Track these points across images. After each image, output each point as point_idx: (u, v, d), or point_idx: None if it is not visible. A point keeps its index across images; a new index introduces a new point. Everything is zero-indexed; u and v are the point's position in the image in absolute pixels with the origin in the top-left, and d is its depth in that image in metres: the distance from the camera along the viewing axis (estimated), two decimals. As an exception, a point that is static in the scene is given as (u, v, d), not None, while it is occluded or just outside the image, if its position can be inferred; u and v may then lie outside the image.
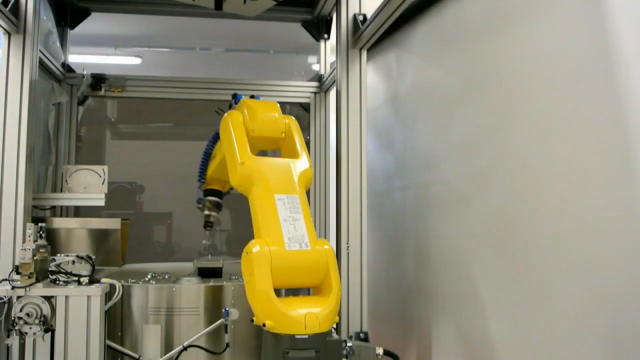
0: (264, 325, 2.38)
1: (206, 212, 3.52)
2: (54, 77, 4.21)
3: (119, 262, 3.55)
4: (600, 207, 1.99)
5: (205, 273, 3.46)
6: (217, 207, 3.52)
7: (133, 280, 3.25)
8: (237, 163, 2.68)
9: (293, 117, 3.03)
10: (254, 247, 2.45)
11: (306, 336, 2.34)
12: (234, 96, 3.16)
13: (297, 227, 2.56)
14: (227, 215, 5.42)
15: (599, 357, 1.98)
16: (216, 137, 3.30)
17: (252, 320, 2.45)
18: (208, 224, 3.55)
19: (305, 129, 4.98)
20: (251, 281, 2.43)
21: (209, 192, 3.50)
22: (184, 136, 5.62)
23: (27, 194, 3.24)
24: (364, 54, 3.69)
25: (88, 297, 2.63)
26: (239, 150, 2.73)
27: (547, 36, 2.32)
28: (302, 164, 2.83)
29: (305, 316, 2.38)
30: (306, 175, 2.82)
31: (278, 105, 3.01)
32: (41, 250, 2.62)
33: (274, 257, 2.44)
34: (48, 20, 4.06)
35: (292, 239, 2.51)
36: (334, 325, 2.53)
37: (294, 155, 2.89)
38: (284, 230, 2.51)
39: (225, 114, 2.96)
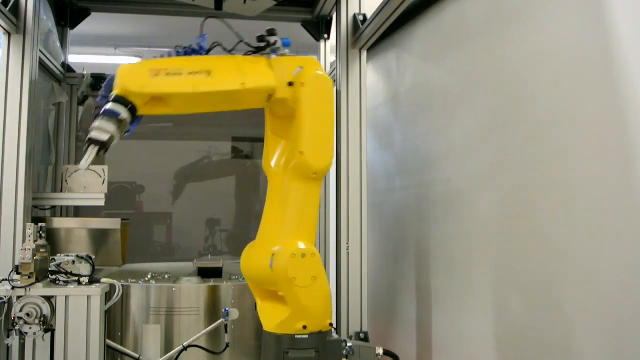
0: (304, 327, 2.32)
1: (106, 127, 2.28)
2: (54, 77, 4.21)
3: (119, 262, 3.55)
4: (601, 206, 1.99)
5: (205, 273, 3.46)
6: (120, 125, 2.31)
7: (133, 280, 3.25)
8: (332, 152, 2.48)
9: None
10: (314, 248, 2.35)
11: (306, 336, 2.34)
12: (270, 34, 2.56)
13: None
14: (228, 215, 5.42)
15: (602, 353, 1.98)
16: None
17: (305, 327, 2.33)
18: (104, 145, 2.31)
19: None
20: (318, 284, 2.30)
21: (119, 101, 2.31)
22: (184, 136, 5.61)
23: (27, 194, 3.24)
24: (364, 54, 3.69)
25: (88, 297, 2.63)
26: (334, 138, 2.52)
27: (547, 36, 2.32)
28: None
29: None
30: None
31: None
32: (41, 250, 2.62)
33: None
34: (48, 20, 4.06)
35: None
36: (334, 326, 2.53)
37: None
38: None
39: (313, 76, 2.46)
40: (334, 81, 3.89)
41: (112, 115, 2.27)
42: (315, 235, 2.46)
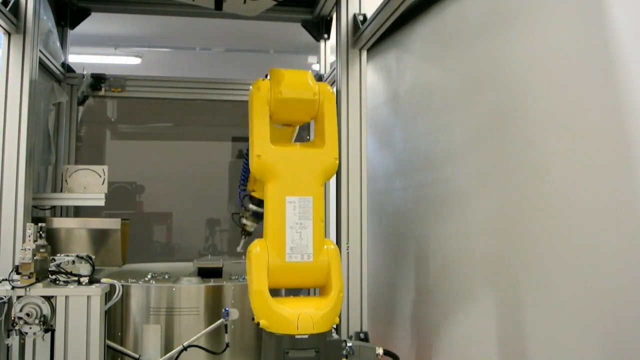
0: (258, 324, 2.44)
1: (243, 221, 3.25)
2: (54, 77, 4.21)
3: (119, 262, 3.55)
4: (601, 206, 1.99)
5: (205, 273, 3.46)
6: (257, 217, 3.18)
7: (133, 280, 3.25)
8: (253, 155, 2.57)
9: (330, 88, 2.83)
10: (255, 248, 2.50)
11: (306, 336, 2.34)
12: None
13: (302, 236, 2.54)
14: (228, 215, 5.41)
15: (600, 354, 1.98)
16: None
17: (253, 319, 2.49)
18: (245, 232, 3.28)
19: (305, 128, 4.99)
20: (249, 280, 2.49)
21: (254, 201, 3.17)
22: (184, 136, 5.62)
23: (27, 194, 3.24)
24: (364, 54, 3.69)
25: (88, 297, 2.63)
26: (257, 139, 2.58)
27: (547, 36, 2.32)
28: (325, 154, 2.69)
29: (299, 316, 2.39)
30: (328, 168, 2.68)
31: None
32: (41, 250, 2.62)
33: (271, 265, 2.49)
34: (48, 20, 4.06)
35: (295, 249, 2.51)
36: (334, 325, 2.53)
37: (319, 141, 2.74)
38: (288, 239, 2.51)
39: (252, 88, 2.72)
40: (334, 81, 3.89)
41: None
42: (281, 239, 2.54)
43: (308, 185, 2.60)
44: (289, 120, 2.84)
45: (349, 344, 2.94)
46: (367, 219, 3.59)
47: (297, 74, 2.74)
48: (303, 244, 2.52)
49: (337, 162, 2.71)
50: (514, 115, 2.54)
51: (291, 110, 2.71)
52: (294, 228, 2.52)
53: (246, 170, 3.12)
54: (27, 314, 2.54)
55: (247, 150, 2.86)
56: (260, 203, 3.08)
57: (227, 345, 3.02)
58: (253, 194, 3.14)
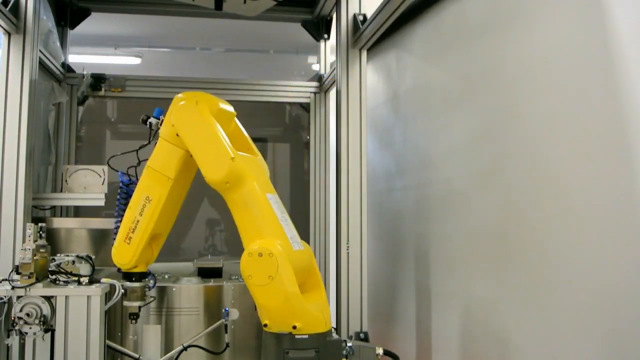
0: (265, 325, 2.36)
1: (126, 303, 2.78)
2: (54, 77, 4.21)
3: (119, 262, 3.54)
4: (601, 206, 1.99)
5: (205, 273, 3.46)
6: (143, 294, 2.81)
7: (133, 280, 3.24)
8: (227, 158, 2.49)
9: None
10: (273, 247, 2.34)
11: (306, 336, 2.34)
12: (146, 119, 2.89)
13: (290, 227, 2.54)
14: (228, 215, 5.41)
15: (601, 354, 1.98)
16: (130, 188, 2.89)
17: (266, 325, 2.35)
18: (132, 317, 2.84)
19: (305, 128, 4.98)
20: (274, 284, 2.29)
21: (131, 276, 2.78)
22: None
23: (27, 194, 3.24)
24: (364, 54, 3.69)
25: (88, 297, 2.63)
26: (227, 144, 2.55)
27: (546, 36, 2.32)
28: (262, 160, 2.81)
29: (323, 313, 2.40)
30: (268, 172, 2.79)
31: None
32: (41, 250, 2.61)
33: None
34: (48, 20, 4.06)
35: (292, 239, 2.51)
36: (334, 326, 2.53)
37: (250, 150, 2.81)
38: (285, 230, 2.50)
39: (186, 102, 2.66)
40: (334, 81, 3.89)
41: (133, 291, 2.79)
42: (281, 230, 2.45)
43: (271, 186, 2.67)
44: None
45: (349, 344, 2.94)
46: (367, 219, 3.59)
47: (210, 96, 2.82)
48: (293, 233, 2.54)
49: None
50: (513, 115, 2.54)
51: (222, 122, 2.71)
52: (283, 220, 2.52)
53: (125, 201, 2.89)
54: (27, 314, 2.54)
55: (121, 207, 2.88)
56: (139, 276, 2.78)
57: (227, 345, 3.02)
58: (134, 269, 2.77)
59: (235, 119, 2.87)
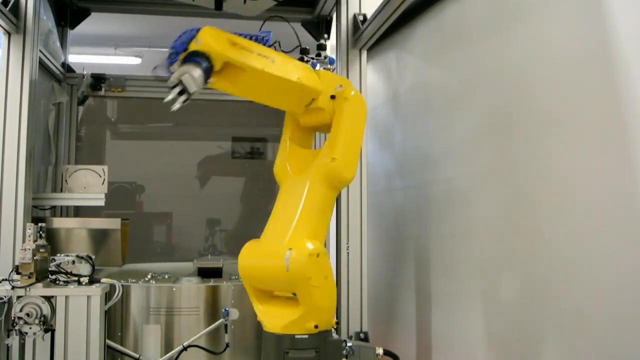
0: (316, 327, 2.35)
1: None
2: (54, 77, 4.21)
3: (119, 262, 3.55)
4: (601, 205, 1.99)
5: (205, 273, 3.46)
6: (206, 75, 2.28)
7: (133, 280, 3.25)
8: (357, 164, 2.61)
9: None
10: (322, 248, 2.36)
11: (306, 336, 2.34)
12: (321, 49, 2.86)
13: None
14: (228, 215, 5.41)
15: (601, 354, 1.98)
16: None
17: (317, 327, 2.36)
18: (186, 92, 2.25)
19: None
20: (328, 283, 2.37)
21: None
22: (184, 136, 5.61)
23: (27, 194, 3.24)
24: (364, 54, 3.69)
25: (88, 297, 2.63)
26: (355, 146, 2.63)
27: (546, 36, 2.32)
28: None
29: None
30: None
31: None
32: (41, 250, 2.62)
33: None
34: (48, 20, 4.06)
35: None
36: (334, 325, 2.53)
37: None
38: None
39: (355, 94, 2.66)
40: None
41: (198, 63, 2.23)
42: (325, 240, 2.50)
43: None
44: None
45: (349, 344, 2.94)
46: (367, 219, 3.59)
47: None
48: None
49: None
50: (513, 115, 2.54)
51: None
52: None
53: None
54: (27, 314, 2.54)
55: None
56: (203, 55, 2.23)
57: (227, 345, 3.02)
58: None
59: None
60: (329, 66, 2.84)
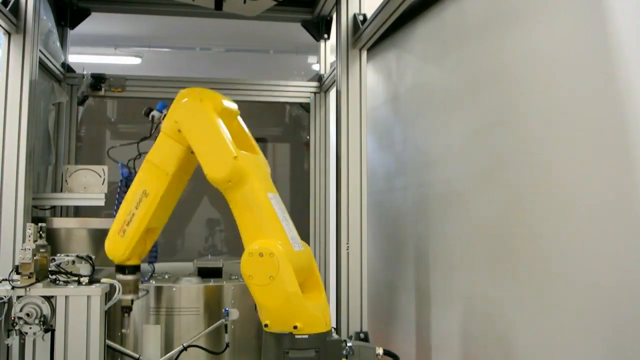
0: (265, 325, 2.36)
1: (122, 297, 2.72)
2: (54, 77, 4.21)
3: (119, 262, 3.54)
4: (601, 205, 1.99)
5: (205, 273, 3.46)
6: (136, 287, 2.80)
7: (133, 280, 3.24)
8: (229, 157, 2.48)
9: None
10: (273, 247, 2.34)
11: (306, 336, 2.34)
12: (149, 112, 2.92)
13: (290, 227, 2.54)
14: (228, 215, 5.41)
15: (602, 352, 1.98)
16: (130, 178, 2.92)
17: (266, 326, 2.36)
18: (125, 310, 2.84)
19: (305, 129, 4.98)
20: (275, 284, 2.30)
21: (124, 269, 2.76)
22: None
23: (27, 194, 3.24)
24: (364, 54, 3.69)
25: (88, 297, 2.63)
26: (230, 142, 2.53)
27: (546, 36, 2.32)
28: (264, 159, 2.79)
29: (323, 313, 2.40)
30: (269, 172, 2.76)
31: None
32: (41, 250, 2.61)
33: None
34: (48, 20, 4.06)
35: (293, 239, 2.50)
36: (334, 326, 2.53)
37: (252, 149, 2.77)
38: (286, 230, 2.49)
39: (190, 99, 2.66)
40: (334, 81, 3.89)
41: (125, 284, 2.74)
42: (282, 231, 2.45)
43: (272, 185, 2.66)
44: None
45: (349, 344, 2.94)
46: (367, 219, 3.59)
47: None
48: (294, 234, 2.53)
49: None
50: (514, 115, 2.54)
51: (225, 120, 2.69)
52: (283, 221, 2.51)
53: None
54: (27, 314, 2.54)
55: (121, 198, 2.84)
56: (134, 270, 2.75)
57: (227, 345, 3.02)
58: (127, 262, 2.77)
59: (239, 117, 2.86)
60: (163, 113, 2.83)
